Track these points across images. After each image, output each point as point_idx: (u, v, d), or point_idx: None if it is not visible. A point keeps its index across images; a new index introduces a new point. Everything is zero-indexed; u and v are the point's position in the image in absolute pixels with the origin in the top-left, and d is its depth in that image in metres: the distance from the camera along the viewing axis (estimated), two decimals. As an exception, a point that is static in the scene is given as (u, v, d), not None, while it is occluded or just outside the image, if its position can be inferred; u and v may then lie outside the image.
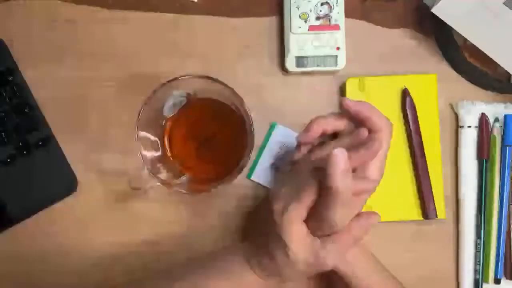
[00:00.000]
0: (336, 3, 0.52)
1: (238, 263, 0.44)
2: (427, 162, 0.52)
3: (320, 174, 0.38)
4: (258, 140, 0.53)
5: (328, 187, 0.37)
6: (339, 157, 0.37)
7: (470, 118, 0.54)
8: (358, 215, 0.41)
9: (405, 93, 0.53)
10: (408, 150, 0.53)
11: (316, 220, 0.40)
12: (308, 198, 0.39)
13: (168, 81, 0.44)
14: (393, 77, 0.53)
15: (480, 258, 0.53)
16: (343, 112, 0.43)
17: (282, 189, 0.42)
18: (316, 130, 0.43)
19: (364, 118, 0.41)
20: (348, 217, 0.40)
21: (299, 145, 0.45)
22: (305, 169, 0.41)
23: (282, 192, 0.42)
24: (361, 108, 0.41)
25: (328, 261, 0.40)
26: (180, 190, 0.46)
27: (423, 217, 0.53)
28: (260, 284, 0.44)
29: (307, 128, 0.43)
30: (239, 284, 0.44)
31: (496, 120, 0.53)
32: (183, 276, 0.45)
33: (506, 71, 0.50)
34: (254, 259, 0.43)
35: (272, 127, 0.53)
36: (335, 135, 0.44)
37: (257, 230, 0.47)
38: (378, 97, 0.53)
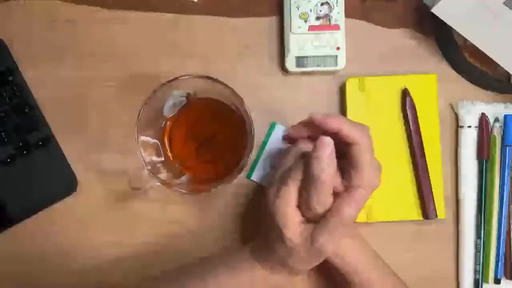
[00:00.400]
0: (336, 3, 0.52)
1: (246, 260, 0.45)
2: (427, 162, 0.52)
3: (307, 159, 0.39)
4: (258, 140, 0.53)
5: (310, 171, 0.38)
6: (325, 143, 0.38)
7: (470, 118, 0.54)
8: (340, 195, 0.40)
9: (405, 93, 0.53)
10: (408, 150, 0.53)
11: (305, 205, 0.40)
12: (295, 181, 0.40)
13: (168, 81, 0.44)
14: (393, 77, 0.53)
15: (480, 258, 0.53)
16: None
17: (274, 179, 0.43)
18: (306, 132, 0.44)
19: (335, 133, 0.40)
20: (327, 201, 0.40)
21: (286, 138, 0.46)
22: (293, 155, 0.43)
23: (274, 181, 0.42)
24: (328, 121, 0.40)
25: (323, 245, 0.40)
26: (180, 190, 0.46)
27: (423, 217, 0.52)
28: (270, 279, 0.44)
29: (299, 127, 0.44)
30: (249, 279, 0.44)
31: (496, 120, 0.53)
32: (192, 273, 0.46)
33: (506, 71, 0.50)
34: (260, 254, 0.44)
35: (272, 127, 0.53)
36: None
37: (261, 229, 0.47)
38: (378, 97, 0.53)
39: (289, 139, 0.46)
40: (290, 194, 0.40)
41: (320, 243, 0.40)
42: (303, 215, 0.41)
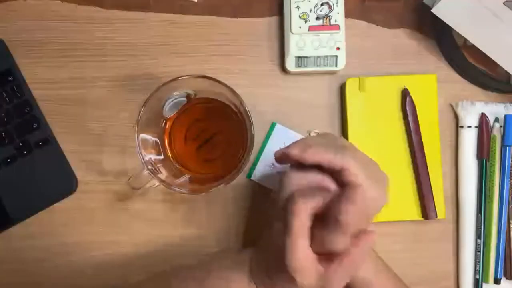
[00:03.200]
0: (336, 3, 0.52)
1: (245, 282, 0.42)
2: (427, 162, 0.52)
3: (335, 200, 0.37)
4: (258, 140, 0.53)
5: (337, 218, 0.36)
6: (359, 193, 0.36)
7: (470, 118, 0.54)
8: (356, 237, 0.38)
9: (405, 93, 0.53)
10: (408, 150, 0.53)
11: (317, 242, 0.37)
12: (306, 213, 0.37)
13: (168, 81, 0.44)
14: (393, 77, 0.53)
15: (480, 258, 0.53)
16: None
17: (277, 205, 0.39)
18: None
19: (318, 164, 0.38)
20: (347, 243, 0.37)
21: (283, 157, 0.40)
22: (297, 181, 0.39)
23: (277, 216, 0.39)
24: (307, 156, 0.37)
25: (336, 286, 0.38)
26: (180, 190, 0.46)
27: (423, 217, 0.52)
28: None
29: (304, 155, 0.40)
30: None
31: (496, 120, 0.53)
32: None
33: (506, 71, 0.51)
34: (260, 280, 0.42)
35: (272, 127, 0.53)
36: None
37: (260, 239, 0.45)
38: (378, 97, 0.53)
39: (282, 160, 0.41)
40: (301, 230, 0.36)
41: (333, 286, 0.37)
42: (312, 249, 0.37)
